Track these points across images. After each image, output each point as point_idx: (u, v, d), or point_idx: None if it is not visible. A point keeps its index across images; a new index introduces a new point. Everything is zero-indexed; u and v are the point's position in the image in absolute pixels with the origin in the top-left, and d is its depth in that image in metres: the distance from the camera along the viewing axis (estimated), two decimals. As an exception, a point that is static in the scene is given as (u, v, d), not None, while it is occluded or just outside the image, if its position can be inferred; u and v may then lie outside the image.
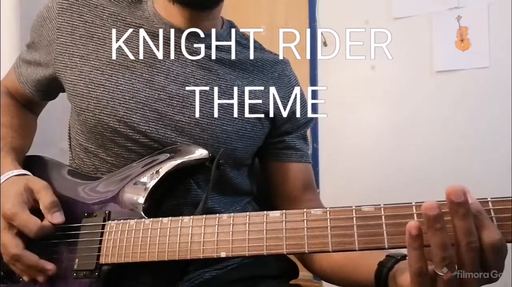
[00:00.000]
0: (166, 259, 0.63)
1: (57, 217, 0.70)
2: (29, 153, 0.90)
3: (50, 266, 0.69)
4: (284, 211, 0.59)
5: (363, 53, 2.15)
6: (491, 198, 0.49)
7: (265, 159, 0.92)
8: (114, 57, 0.79)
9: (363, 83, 1.90)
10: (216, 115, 0.80)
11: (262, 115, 0.85)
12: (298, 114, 0.89)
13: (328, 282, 0.84)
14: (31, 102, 0.94)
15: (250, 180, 0.92)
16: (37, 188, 0.72)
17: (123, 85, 0.77)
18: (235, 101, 0.82)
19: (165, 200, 0.76)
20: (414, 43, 1.81)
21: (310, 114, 0.93)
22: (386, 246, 0.52)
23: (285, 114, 0.87)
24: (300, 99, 0.91)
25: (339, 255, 0.74)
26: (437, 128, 1.76)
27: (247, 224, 0.60)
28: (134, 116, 0.77)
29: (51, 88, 0.89)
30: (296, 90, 0.91)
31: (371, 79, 1.89)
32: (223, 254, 0.60)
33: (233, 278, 0.83)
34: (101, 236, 0.69)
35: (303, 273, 0.92)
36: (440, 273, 0.49)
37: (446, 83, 1.76)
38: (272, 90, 0.87)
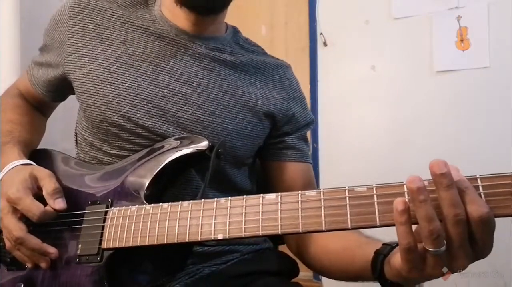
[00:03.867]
0: (165, 242, 0.64)
1: (59, 203, 0.72)
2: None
3: (52, 249, 0.71)
4: (279, 193, 0.60)
5: (363, 53, 2.16)
6: (480, 175, 0.51)
7: (266, 159, 0.93)
8: (120, 56, 0.82)
9: (363, 83, 1.90)
10: (217, 113, 0.83)
11: (262, 116, 0.87)
12: (298, 116, 0.92)
13: (325, 275, 0.85)
14: (42, 103, 0.98)
15: (251, 181, 0.94)
16: (41, 176, 0.74)
17: (129, 83, 0.81)
18: (236, 101, 0.85)
19: (166, 190, 0.77)
20: (414, 43, 1.81)
21: (310, 116, 0.95)
22: (378, 224, 0.53)
23: (285, 115, 0.90)
24: (301, 101, 0.93)
25: (336, 246, 0.77)
26: (437, 128, 1.77)
27: (244, 207, 0.61)
28: (138, 112, 0.80)
29: (60, 88, 0.92)
30: (297, 92, 0.94)
31: (371, 79, 1.89)
32: (220, 236, 0.61)
33: (232, 273, 0.84)
34: (104, 222, 0.71)
35: (304, 273, 0.93)
36: (430, 250, 0.50)
37: (446, 83, 1.76)
38: (273, 92, 0.90)
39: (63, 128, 1.24)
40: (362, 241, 0.71)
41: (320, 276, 1.89)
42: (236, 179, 0.89)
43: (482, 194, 0.50)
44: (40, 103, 0.98)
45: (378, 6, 1.88)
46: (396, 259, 0.57)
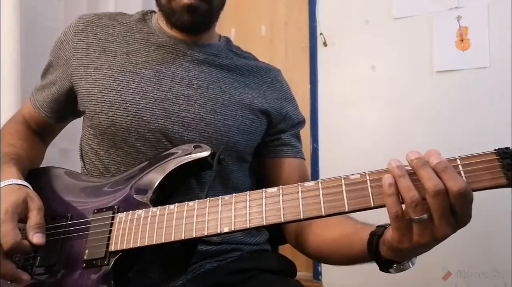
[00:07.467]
0: (172, 240, 0.66)
1: (38, 238, 0.71)
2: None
3: (25, 276, 0.71)
4: (280, 186, 0.64)
5: (363, 53, 2.16)
6: (459, 156, 0.58)
7: (263, 157, 0.98)
8: (124, 65, 0.87)
9: (363, 83, 1.90)
10: (218, 111, 0.88)
11: (259, 113, 0.93)
12: (291, 115, 0.98)
13: (325, 262, 0.89)
14: (44, 127, 1.01)
15: (250, 178, 0.99)
16: (32, 206, 0.73)
17: (133, 89, 0.86)
18: (234, 100, 0.91)
19: (171, 197, 0.80)
20: (414, 43, 1.81)
21: (302, 115, 1.02)
22: (372, 205, 0.59)
23: (279, 113, 0.96)
24: (293, 102, 1.01)
25: (334, 234, 0.82)
26: (437, 128, 1.77)
27: (248, 201, 0.65)
28: (145, 115, 0.84)
29: (64, 105, 0.95)
30: (288, 94, 1.01)
31: (371, 79, 1.89)
32: (226, 229, 0.64)
33: (233, 268, 0.87)
34: (111, 226, 0.73)
35: (303, 273, 0.94)
36: (414, 218, 0.58)
37: (446, 83, 1.76)
38: (267, 92, 0.96)
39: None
40: (358, 227, 0.76)
41: (320, 276, 1.89)
42: (237, 174, 0.93)
43: (461, 171, 0.57)
44: (42, 128, 1.00)
45: (378, 6, 1.88)
46: (388, 233, 0.63)
